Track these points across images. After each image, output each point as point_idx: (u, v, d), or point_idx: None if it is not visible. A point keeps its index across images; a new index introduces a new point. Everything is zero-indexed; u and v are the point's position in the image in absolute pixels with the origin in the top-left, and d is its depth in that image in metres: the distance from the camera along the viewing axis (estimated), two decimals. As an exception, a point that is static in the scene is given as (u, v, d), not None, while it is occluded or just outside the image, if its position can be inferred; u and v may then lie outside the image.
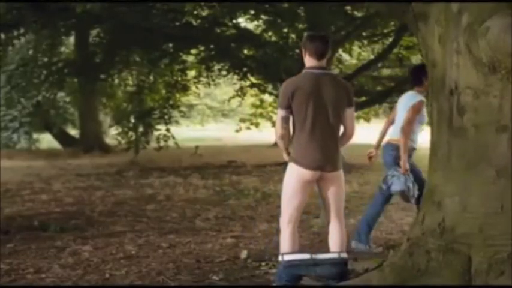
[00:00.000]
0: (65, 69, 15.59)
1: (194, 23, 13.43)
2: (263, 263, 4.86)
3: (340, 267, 3.96)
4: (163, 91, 16.19)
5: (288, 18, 13.23)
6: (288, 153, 4.05)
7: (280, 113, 4.04)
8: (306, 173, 3.97)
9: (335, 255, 4.00)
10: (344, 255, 4.01)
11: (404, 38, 13.42)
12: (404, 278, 3.66)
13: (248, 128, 20.97)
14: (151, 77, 15.77)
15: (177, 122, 16.96)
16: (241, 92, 16.51)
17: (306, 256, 4.00)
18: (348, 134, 4.12)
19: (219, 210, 7.63)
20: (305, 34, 4.22)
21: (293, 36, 14.17)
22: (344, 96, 4.01)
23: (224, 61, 14.57)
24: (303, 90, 3.94)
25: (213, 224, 6.71)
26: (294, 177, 4.02)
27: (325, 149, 3.94)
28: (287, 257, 4.00)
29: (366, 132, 12.84)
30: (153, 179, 11.04)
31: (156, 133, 15.12)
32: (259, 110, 21.34)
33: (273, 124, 20.97)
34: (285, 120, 4.02)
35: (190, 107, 25.10)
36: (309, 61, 4.04)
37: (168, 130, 14.89)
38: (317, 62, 4.01)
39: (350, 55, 16.53)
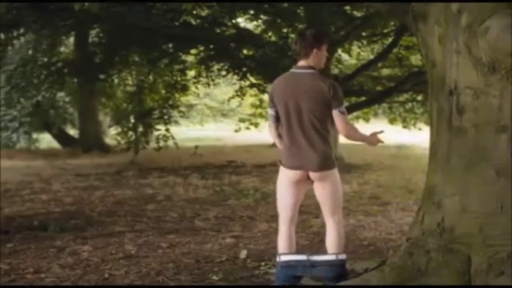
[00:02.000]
0: (65, 69, 15.58)
1: (193, 22, 13.43)
2: (263, 263, 4.86)
3: (337, 269, 3.92)
4: (163, 91, 16.19)
5: (287, 18, 13.22)
6: None
7: (268, 111, 4.14)
8: (289, 173, 3.98)
9: (333, 257, 3.96)
10: (342, 256, 3.96)
11: (404, 38, 13.41)
12: (404, 278, 3.66)
13: (248, 128, 20.96)
14: (151, 77, 15.77)
15: (176, 122, 16.97)
16: (240, 92, 16.51)
17: (302, 257, 3.99)
18: (342, 134, 4.03)
19: (219, 210, 7.63)
20: None
21: (293, 36, 14.15)
22: (327, 95, 3.84)
23: (224, 61, 14.56)
24: (279, 89, 3.99)
25: (213, 224, 6.71)
26: (281, 177, 4.06)
27: (302, 148, 3.90)
28: (284, 258, 3.99)
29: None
30: (153, 179, 11.04)
31: (155, 133, 15.12)
32: (259, 110, 21.29)
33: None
34: (271, 118, 4.10)
35: (190, 107, 25.06)
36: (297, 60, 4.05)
37: (167, 130, 14.89)
38: (300, 61, 3.99)
39: (349, 55, 16.51)
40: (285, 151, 3.99)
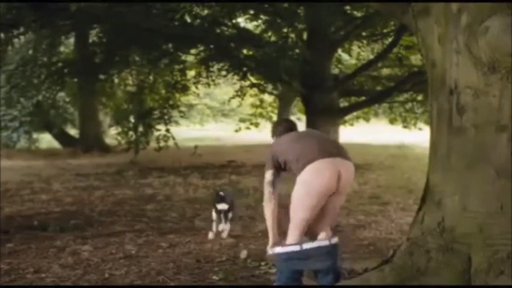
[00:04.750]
0: (65, 69, 15.58)
1: (192, 22, 13.42)
2: (263, 263, 4.86)
3: (332, 257, 3.89)
4: (163, 91, 16.19)
5: (287, 18, 13.22)
6: None
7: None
8: None
9: (326, 243, 3.94)
10: (334, 240, 3.94)
11: (404, 38, 13.41)
12: (404, 278, 3.66)
13: (248, 128, 20.98)
14: (151, 77, 15.76)
15: (176, 122, 16.98)
16: (241, 92, 16.50)
17: (295, 248, 3.96)
18: None
19: (219, 210, 7.62)
20: None
21: (293, 36, 14.16)
22: None
23: (224, 61, 14.55)
24: None
25: (213, 224, 6.70)
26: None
27: None
28: (278, 250, 3.97)
29: (365, 132, 12.84)
30: (153, 179, 11.04)
31: (156, 133, 15.13)
32: (259, 110, 21.36)
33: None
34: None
35: (190, 107, 25.09)
36: None
37: (167, 130, 14.89)
38: None
39: (349, 55, 16.53)
40: None
